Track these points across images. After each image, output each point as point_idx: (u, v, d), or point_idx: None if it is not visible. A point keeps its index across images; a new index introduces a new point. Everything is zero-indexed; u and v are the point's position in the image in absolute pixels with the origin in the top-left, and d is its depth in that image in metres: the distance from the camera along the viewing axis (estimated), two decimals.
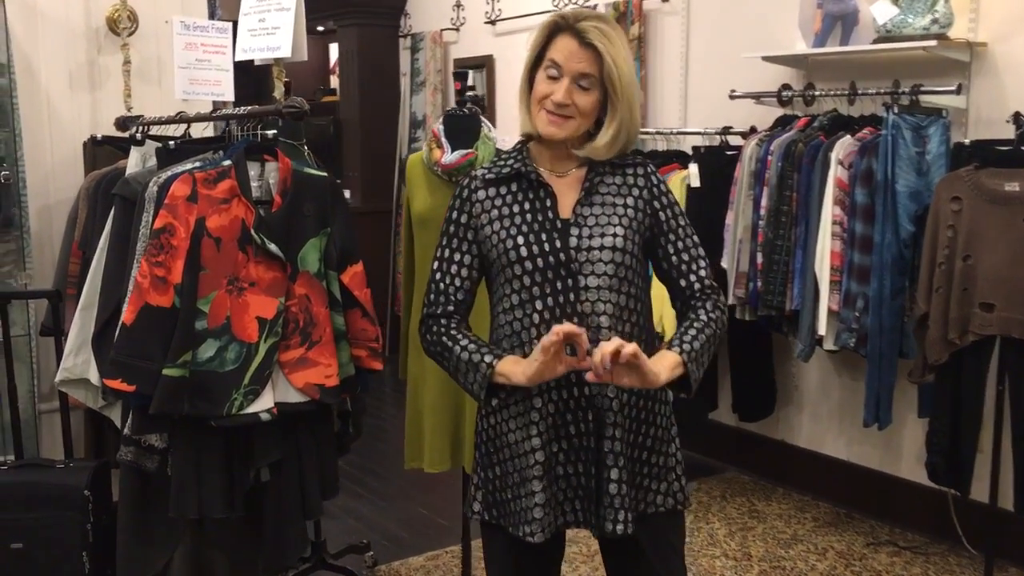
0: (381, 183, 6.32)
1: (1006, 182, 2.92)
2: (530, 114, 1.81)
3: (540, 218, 1.80)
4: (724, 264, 3.72)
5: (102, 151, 3.13)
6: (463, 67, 5.83)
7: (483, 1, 5.60)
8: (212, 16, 3.74)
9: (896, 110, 3.25)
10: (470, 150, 2.66)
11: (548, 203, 1.81)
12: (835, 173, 3.34)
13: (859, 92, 3.48)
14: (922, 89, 3.31)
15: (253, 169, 2.48)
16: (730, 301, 3.70)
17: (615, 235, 1.79)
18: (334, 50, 6.98)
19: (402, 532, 3.73)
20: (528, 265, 1.77)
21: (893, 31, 3.36)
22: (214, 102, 3.52)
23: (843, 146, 3.35)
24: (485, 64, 5.63)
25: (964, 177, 3.00)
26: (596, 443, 1.78)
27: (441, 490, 4.16)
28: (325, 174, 2.59)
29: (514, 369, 1.70)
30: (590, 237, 1.78)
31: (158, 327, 2.34)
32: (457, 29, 5.88)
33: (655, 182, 1.87)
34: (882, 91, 3.39)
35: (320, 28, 7.22)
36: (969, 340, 2.98)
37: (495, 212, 1.82)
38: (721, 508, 3.90)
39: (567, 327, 1.61)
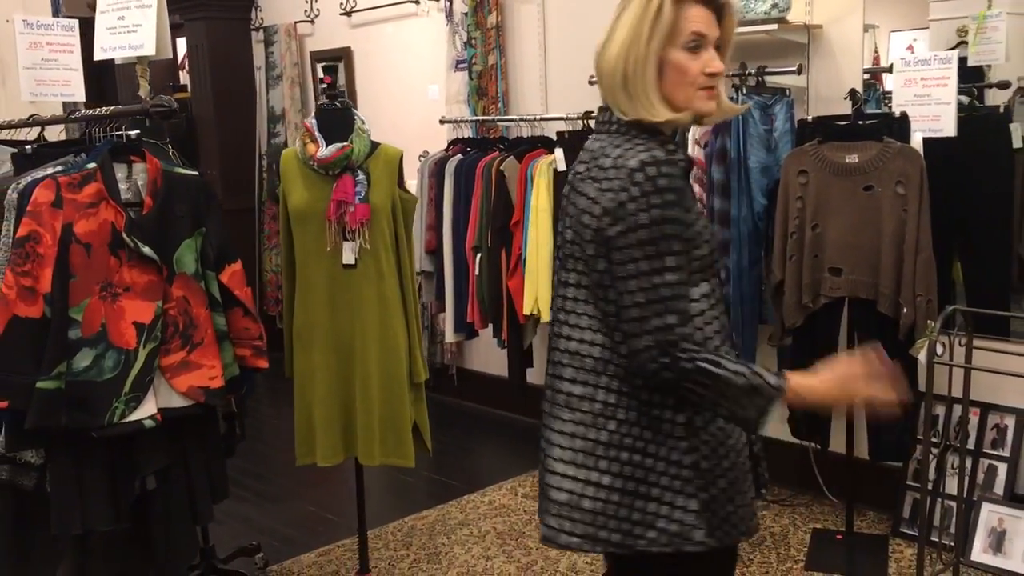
0: (242, 180, 6.18)
1: (847, 155, 3.14)
2: (663, 100, 1.60)
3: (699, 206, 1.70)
4: None
5: None
6: (320, 60, 5.76)
7: None
8: (56, 13, 3.58)
9: (744, 91, 3.44)
10: (345, 143, 2.67)
11: (691, 192, 1.68)
12: (692, 152, 3.51)
13: None
14: (766, 70, 3.51)
15: (120, 171, 2.41)
16: None
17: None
18: (181, 45, 6.75)
19: (291, 531, 3.70)
20: (717, 255, 1.67)
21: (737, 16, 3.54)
22: (64, 103, 3.38)
23: (698, 127, 3.52)
24: (343, 56, 5.59)
25: (809, 151, 3.21)
26: None
27: (326, 486, 4.15)
28: (196, 173, 2.54)
29: (803, 389, 1.55)
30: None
31: (28, 339, 2.25)
32: (312, 21, 5.80)
33: None
34: (730, 73, 3.57)
35: None
36: (821, 303, 3.20)
37: (697, 206, 1.64)
38: None
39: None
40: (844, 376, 1.56)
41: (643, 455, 1.59)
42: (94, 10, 2.89)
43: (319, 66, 5.68)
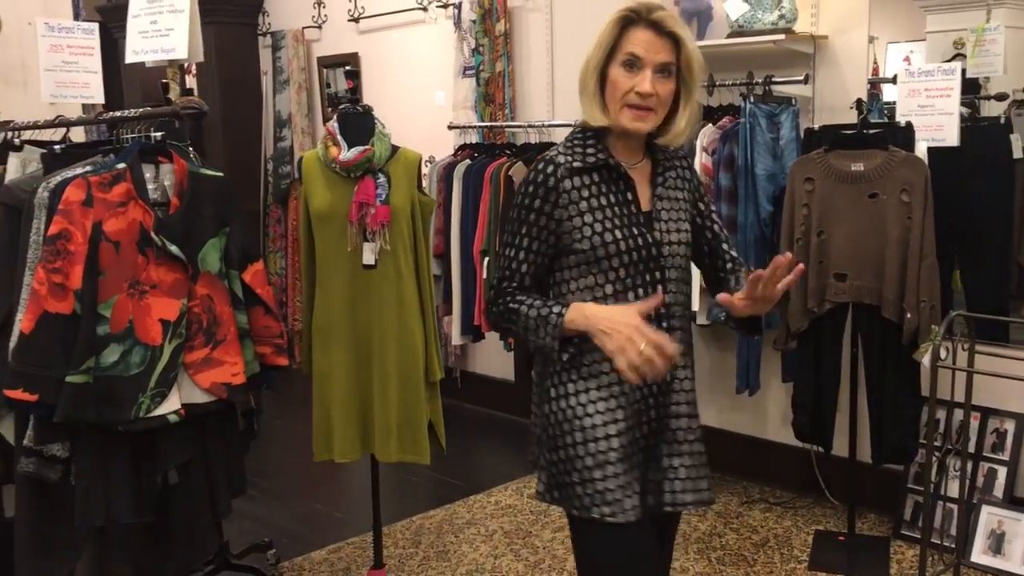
0: (247, 184, 6.23)
1: (852, 163, 3.20)
2: (604, 109, 1.81)
3: (627, 211, 1.82)
4: None
5: None
6: (327, 65, 5.83)
7: None
8: (77, 17, 3.64)
9: (751, 100, 3.52)
10: (367, 146, 2.73)
11: (629, 196, 1.84)
12: (700, 159, 3.58)
13: (717, 84, 3.73)
14: (773, 80, 3.59)
15: (148, 171, 2.46)
16: None
17: (685, 230, 1.89)
18: None
19: (300, 528, 3.75)
20: (625, 258, 1.80)
21: (745, 26, 3.62)
22: (83, 105, 3.44)
23: (706, 134, 3.59)
24: (351, 62, 5.65)
25: (815, 159, 3.28)
26: (663, 424, 1.87)
27: (332, 484, 4.20)
28: (221, 174, 2.60)
29: (579, 315, 1.73)
30: (668, 231, 1.85)
31: (59, 334, 2.30)
32: (319, 27, 5.87)
33: (692, 175, 1.97)
34: (738, 82, 3.65)
35: None
36: (826, 308, 3.26)
37: (584, 204, 1.80)
38: None
39: (660, 297, 1.79)
40: (608, 318, 1.69)
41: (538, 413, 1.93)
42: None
43: (339, 71, 5.73)
